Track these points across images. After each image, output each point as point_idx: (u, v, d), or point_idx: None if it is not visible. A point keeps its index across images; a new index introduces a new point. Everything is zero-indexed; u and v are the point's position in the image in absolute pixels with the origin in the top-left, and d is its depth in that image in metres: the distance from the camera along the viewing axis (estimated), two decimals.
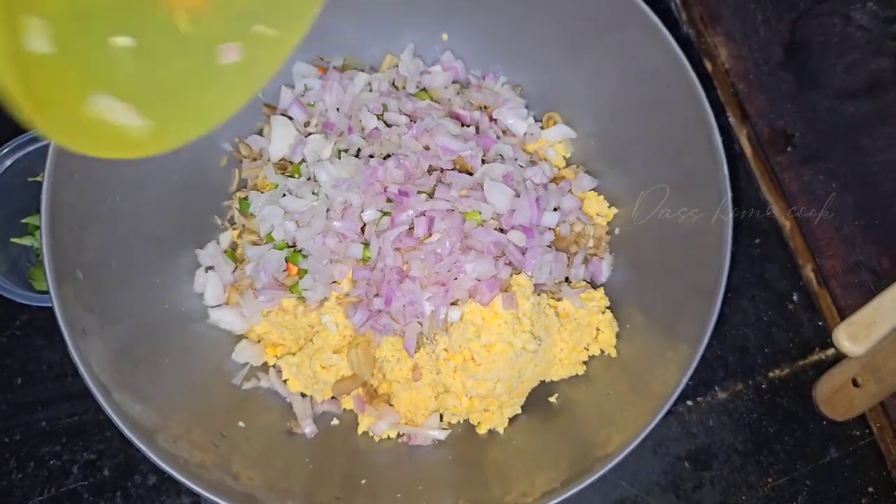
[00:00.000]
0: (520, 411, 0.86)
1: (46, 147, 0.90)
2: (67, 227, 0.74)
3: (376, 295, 0.80)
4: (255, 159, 0.93)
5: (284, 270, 0.86)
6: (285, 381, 0.87)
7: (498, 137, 0.90)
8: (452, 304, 0.80)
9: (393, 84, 0.95)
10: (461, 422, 0.87)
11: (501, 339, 0.78)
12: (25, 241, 0.94)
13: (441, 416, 0.86)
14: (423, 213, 0.80)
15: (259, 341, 0.89)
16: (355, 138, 0.87)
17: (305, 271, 0.84)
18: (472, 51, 0.97)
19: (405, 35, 0.97)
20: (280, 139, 0.91)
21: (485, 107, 0.94)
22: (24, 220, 0.94)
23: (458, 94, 0.95)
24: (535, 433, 0.84)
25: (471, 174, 0.84)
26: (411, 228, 0.80)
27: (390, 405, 0.86)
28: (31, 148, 0.91)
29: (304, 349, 0.85)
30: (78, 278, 0.74)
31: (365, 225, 0.82)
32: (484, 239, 0.80)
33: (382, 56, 0.98)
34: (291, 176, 0.89)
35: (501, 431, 0.85)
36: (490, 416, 0.84)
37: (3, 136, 0.90)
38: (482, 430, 0.86)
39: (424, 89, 0.95)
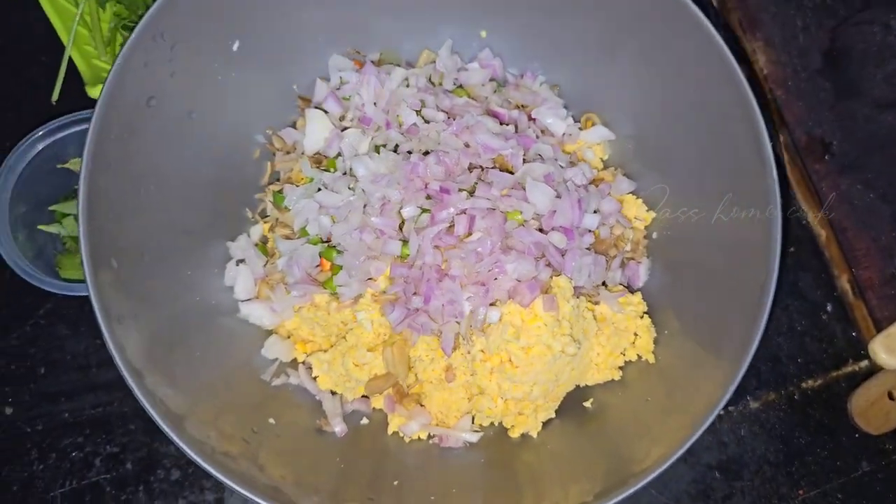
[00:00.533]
0: (554, 415, 0.85)
1: (76, 134, 0.90)
2: (104, 214, 0.73)
3: (414, 293, 0.78)
4: (288, 152, 0.92)
5: (317, 266, 0.85)
6: (315, 379, 0.86)
7: (537, 137, 0.88)
8: (491, 304, 0.78)
9: (430, 80, 0.93)
10: (494, 424, 0.86)
11: (540, 341, 0.77)
12: (53, 228, 0.92)
13: (473, 419, 0.85)
14: (463, 211, 0.79)
15: (289, 337, 0.88)
16: (393, 133, 0.86)
17: (339, 267, 0.83)
18: (511, 49, 0.95)
19: (443, 31, 0.95)
20: (315, 133, 0.89)
21: (523, 106, 0.93)
22: (51, 208, 0.93)
23: (496, 92, 0.94)
24: (569, 438, 0.83)
25: (511, 173, 0.83)
26: (451, 226, 0.79)
27: (421, 405, 0.85)
28: (60, 135, 0.90)
29: (336, 346, 0.84)
30: (112, 266, 0.73)
31: (403, 221, 0.81)
32: (525, 239, 0.78)
33: (419, 51, 0.96)
34: (326, 170, 0.87)
35: (535, 435, 0.84)
36: (524, 420, 0.83)
37: (34, 122, 0.89)
38: (515, 434, 0.84)
39: (461, 86, 0.94)
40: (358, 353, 0.81)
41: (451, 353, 0.79)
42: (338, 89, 0.93)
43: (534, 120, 0.91)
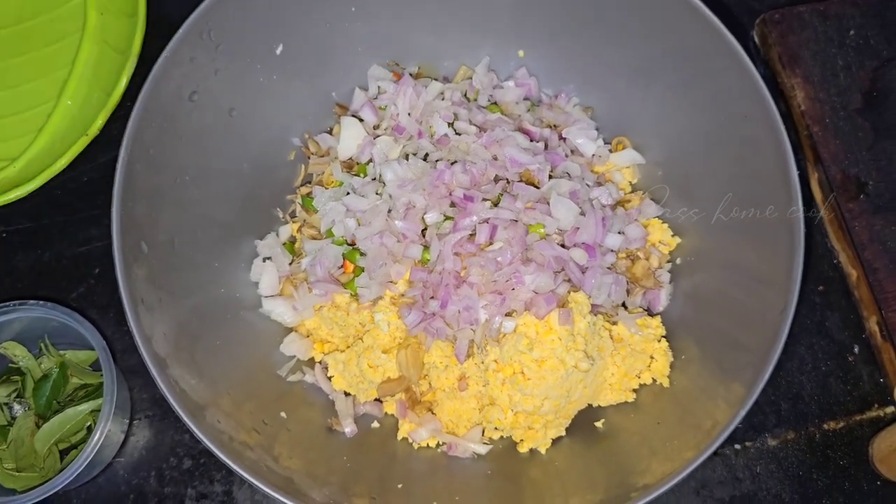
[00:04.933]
0: (564, 433, 0.84)
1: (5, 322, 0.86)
2: (138, 199, 0.76)
3: (432, 297, 0.79)
4: (322, 156, 0.94)
5: (340, 267, 0.86)
6: (330, 379, 0.87)
7: (566, 156, 0.89)
8: (507, 314, 0.79)
9: (465, 95, 0.95)
10: (503, 438, 0.85)
11: (554, 354, 0.77)
12: None
13: (483, 431, 0.85)
14: (486, 221, 0.80)
15: (308, 336, 0.89)
16: (424, 143, 0.88)
17: (362, 269, 0.84)
18: (547, 69, 0.97)
19: (481, 48, 0.97)
20: (349, 139, 0.92)
21: (554, 126, 0.94)
22: None
23: (529, 110, 0.95)
24: (577, 457, 0.82)
25: (537, 188, 0.83)
26: (473, 235, 0.80)
27: (432, 413, 0.85)
28: None
29: (352, 347, 0.85)
30: (143, 251, 0.75)
31: (426, 227, 0.82)
32: (545, 252, 0.79)
33: (456, 67, 0.98)
34: (357, 175, 0.89)
35: (543, 452, 0.83)
36: (533, 435, 0.82)
37: None
38: (524, 449, 0.84)
39: (495, 103, 0.96)
40: (373, 355, 0.81)
41: (465, 360, 0.79)
42: (375, 99, 0.95)
43: (564, 139, 0.92)
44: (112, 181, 1.00)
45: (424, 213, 0.82)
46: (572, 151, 0.92)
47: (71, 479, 0.81)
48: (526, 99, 0.96)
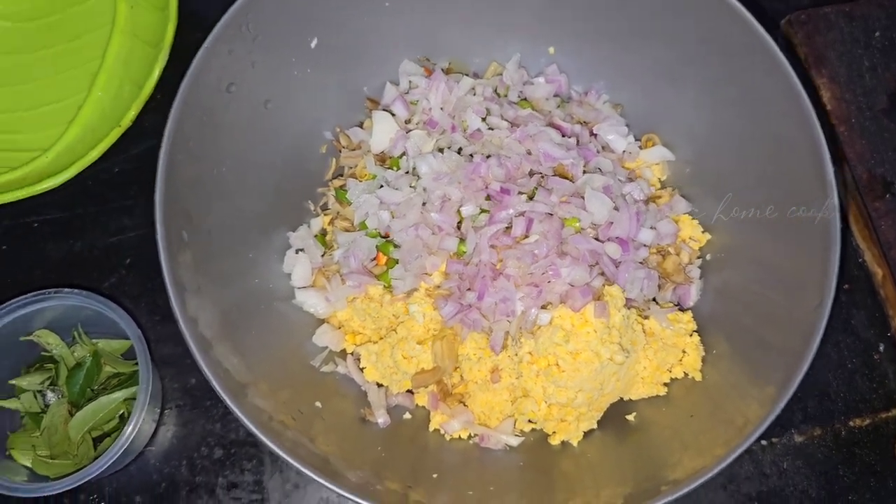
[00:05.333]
0: (595, 426, 0.85)
1: (42, 311, 0.87)
2: (179, 188, 0.76)
3: (468, 289, 0.80)
4: (353, 150, 0.95)
5: (373, 259, 0.87)
6: (362, 370, 0.87)
7: (597, 152, 0.90)
8: (542, 307, 0.79)
9: (495, 91, 0.96)
10: (534, 430, 0.86)
11: (589, 347, 0.78)
12: (9, 403, 0.88)
13: (514, 423, 0.85)
14: (522, 214, 0.80)
15: (339, 327, 0.90)
16: (458, 137, 0.88)
17: (395, 261, 0.85)
18: (577, 66, 0.98)
19: (512, 44, 0.98)
20: (381, 133, 0.92)
21: (585, 122, 0.95)
22: (11, 382, 0.89)
23: (559, 107, 0.96)
24: (609, 450, 0.83)
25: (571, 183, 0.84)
26: (508, 227, 0.81)
27: (464, 405, 0.86)
28: (25, 311, 0.86)
29: (385, 338, 0.85)
30: (183, 239, 0.76)
31: (461, 220, 0.83)
32: (581, 246, 0.79)
33: (487, 63, 0.99)
34: (390, 168, 0.90)
35: (575, 444, 0.84)
36: (566, 427, 0.83)
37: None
38: (555, 441, 0.84)
39: (525, 99, 0.96)
40: (408, 346, 0.82)
41: (500, 351, 0.80)
42: (406, 93, 0.96)
43: (595, 135, 0.93)
44: (144, 172, 1.02)
45: (460, 206, 0.82)
46: (603, 147, 0.92)
47: (105, 466, 0.81)
48: (555, 95, 0.97)
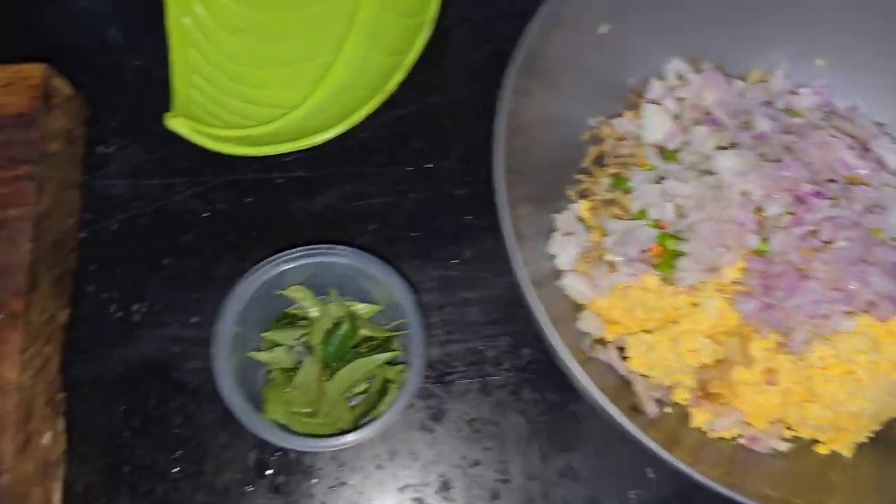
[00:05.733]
0: (867, 439, 0.84)
1: (296, 269, 0.86)
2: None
3: (771, 288, 0.79)
4: (617, 139, 0.95)
5: (648, 250, 0.87)
6: (624, 359, 0.87)
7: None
8: (846, 313, 0.79)
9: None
10: (797, 438, 0.85)
11: (893, 358, 0.77)
12: (263, 356, 0.89)
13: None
14: (829, 218, 0.80)
15: (598, 315, 0.89)
16: (743, 137, 0.88)
17: (674, 253, 0.84)
18: (842, 81, 0.98)
19: (776, 52, 0.98)
20: (655, 126, 0.92)
21: (853, 136, 0.95)
22: (264, 335, 0.90)
23: (823, 119, 0.96)
24: (887, 465, 0.82)
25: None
26: (813, 230, 0.81)
27: (729, 405, 0.85)
28: (283, 268, 0.85)
29: (663, 329, 0.85)
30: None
31: (762, 218, 0.82)
32: (888, 258, 0.79)
33: (747, 69, 0.99)
34: (668, 161, 0.90)
35: (848, 455, 0.83)
36: (842, 437, 0.82)
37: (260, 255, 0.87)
38: (824, 450, 0.84)
39: (789, 109, 0.96)
40: (694, 339, 0.81)
41: (799, 353, 0.79)
42: (672, 90, 0.96)
43: (868, 150, 0.93)
44: (388, 140, 1.02)
45: (760, 204, 0.82)
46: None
47: (393, 417, 0.81)
48: (821, 108, 0.97)
